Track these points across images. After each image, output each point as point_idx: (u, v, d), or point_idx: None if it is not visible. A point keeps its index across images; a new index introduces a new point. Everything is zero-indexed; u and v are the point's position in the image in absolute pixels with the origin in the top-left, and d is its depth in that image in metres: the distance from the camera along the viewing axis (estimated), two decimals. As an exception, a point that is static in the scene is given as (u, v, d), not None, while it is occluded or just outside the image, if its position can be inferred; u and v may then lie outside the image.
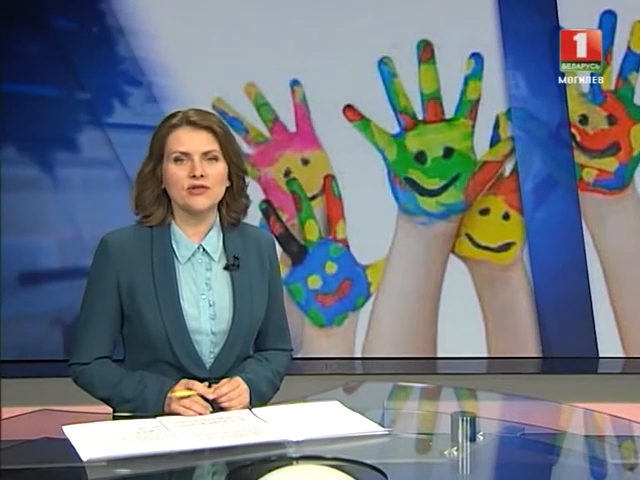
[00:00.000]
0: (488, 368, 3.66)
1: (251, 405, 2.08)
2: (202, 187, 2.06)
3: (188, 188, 2.06)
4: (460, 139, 3.64)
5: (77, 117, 3.56)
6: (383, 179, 3.64)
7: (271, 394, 2.20)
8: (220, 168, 2.09)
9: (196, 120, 2.07)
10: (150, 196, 2.11)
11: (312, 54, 3.57)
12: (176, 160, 2.07)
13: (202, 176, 2.05)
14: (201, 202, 2.08)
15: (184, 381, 2.06)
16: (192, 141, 2.06)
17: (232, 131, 2.17)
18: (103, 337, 2.12)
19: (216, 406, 2.05)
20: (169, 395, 2.04)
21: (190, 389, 2.04)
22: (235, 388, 2.07)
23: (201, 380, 2.08)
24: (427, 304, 3.67)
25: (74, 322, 2.18)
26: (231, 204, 2.15)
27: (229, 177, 2.12)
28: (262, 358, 2.22)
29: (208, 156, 2.07)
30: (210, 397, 2.04)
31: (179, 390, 2.04)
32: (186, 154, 2.06)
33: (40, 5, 3.53)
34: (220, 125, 2.10)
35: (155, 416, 1.98)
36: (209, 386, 2.07)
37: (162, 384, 2.06)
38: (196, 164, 2.05)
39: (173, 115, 2.12)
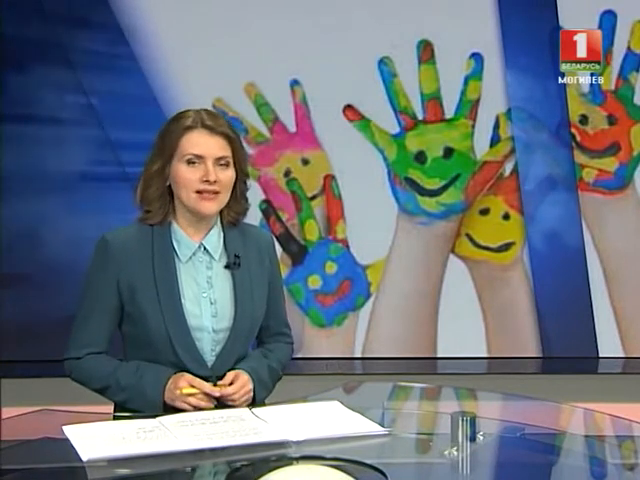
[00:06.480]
0: (488, 368, 3.66)
1: (254, 393, 2.11)
2: (213, 192, 2.07)
3: (199, 192, 2.07)
4: (460, 139, 3.64)
5: (77, 117, 3.55)
6: (383, 179, 3.64)
7: (273, 384, 2.22)
8: (230, 174, 2.11)
9: (212, 125, 2.08)
10: (154, 193, 2.12)
11: (312, 54, 3.56)
12: (189, 162, 2.08)
13: (215, 181, 2.06)
14: (211, 207, 2.09)
15: (189, 377, 2.07)
16: (208, 145, 2.08)
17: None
18: (99, 334, 2.13)
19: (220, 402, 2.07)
20: (177, 392, 2.04)
21: (195, 387, 2.05)
22: (241, 388, 2.09)
23: (203, 378, 2.08)
24: (427, 304, 3.67)
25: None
26: (232, 205, 2.16)
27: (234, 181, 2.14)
28: (265, 350, 2.26)
29: (220, 162, 2.09)
30: (216, 395, 2.06)
31: (185, 387, 2.05)
32: (200, 157, 2.07)
33: (39, 4, 3.52)
34: (233, 130, 2.13)
35: (155, 416, 1.98)
36: (214, 384, 2.08)
37: (159, 371, 2.08)
38: (210, 169, 2.06)
39: (184, 116, 2.11)
